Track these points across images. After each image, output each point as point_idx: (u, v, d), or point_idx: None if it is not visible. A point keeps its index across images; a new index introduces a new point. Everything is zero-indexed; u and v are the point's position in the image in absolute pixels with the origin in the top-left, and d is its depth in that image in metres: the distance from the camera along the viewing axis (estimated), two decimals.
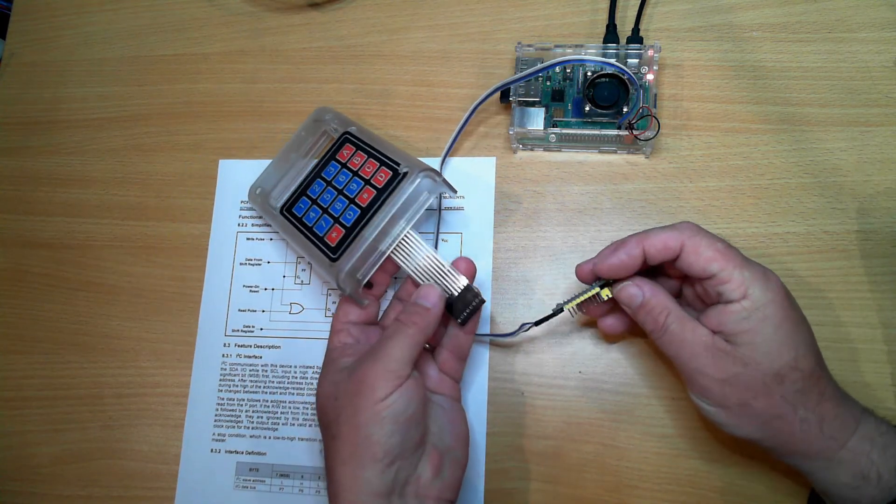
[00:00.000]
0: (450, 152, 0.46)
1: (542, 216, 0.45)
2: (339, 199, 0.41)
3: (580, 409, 0.42)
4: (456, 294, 0.38)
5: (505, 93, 0.45)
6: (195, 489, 0.45)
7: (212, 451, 0.46)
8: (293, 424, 0.45)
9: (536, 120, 0.44)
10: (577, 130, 0.43)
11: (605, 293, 0.37)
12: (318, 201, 0.42)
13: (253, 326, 0.47)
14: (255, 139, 0.51)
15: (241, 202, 0.50)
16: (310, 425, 0.45)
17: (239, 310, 0.48)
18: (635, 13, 0.47)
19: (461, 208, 0.46)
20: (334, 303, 0.46)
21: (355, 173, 0.42)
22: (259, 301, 0.47)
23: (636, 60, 0.44)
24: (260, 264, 0.48)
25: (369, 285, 0.41)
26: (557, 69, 0.45)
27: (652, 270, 0.38)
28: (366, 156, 0.42)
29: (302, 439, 0.45)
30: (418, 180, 0.39)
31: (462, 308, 0.38)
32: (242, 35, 0.53)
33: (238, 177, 0.50)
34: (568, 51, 0.45)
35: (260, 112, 0.51)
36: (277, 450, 0.45)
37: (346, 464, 0.34)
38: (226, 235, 0.49)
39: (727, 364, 0.32)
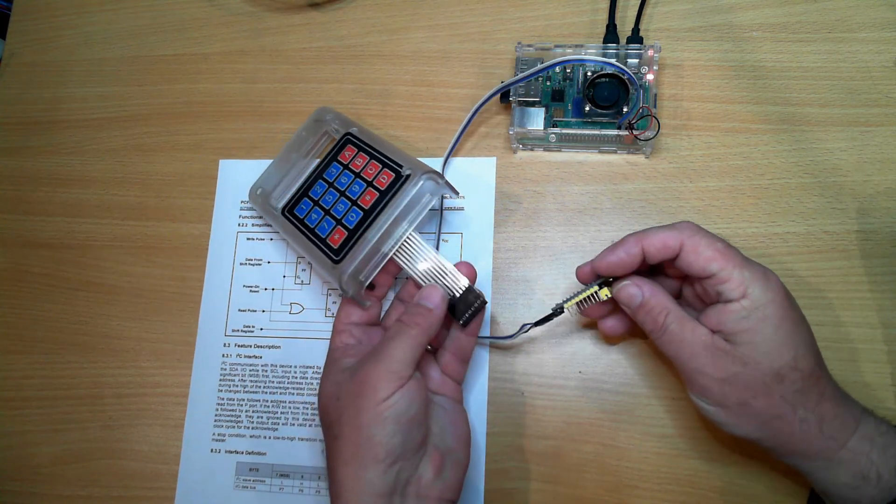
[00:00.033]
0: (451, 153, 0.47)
1: (542, 216, 0.45)
2: (341, 200, 0.41)
3: (580, 409, 0.42)
4: (458, 295, 0.38)
5: (505, 93, 0.45)
6: (195, 489, 0.45)
7: (212, 451, 0.46)
8: (293, 424, 0.45)
9: (536, 120, 0.44)
10: (577, 130, 0.43)
11: (605, 293, 0.37)
12: (320, 203, 0.42)
13: (253, 326, 0.47)
14: (255, 139, 0.51)
15: (242, 202, 0.50)
16: (310, 425, 0.45)
17: (239, 310, 0.48)
18: (635, 13, 0.47)
19: (461, 208, 0.46)
20: (334, 303, 0.46)
21: (357, 175, 0.42)
22: (259, 301, 0.47)
23: (636, 60, 0.44)
24: (260, 264, 0.48)
25: (371, 287, 0.41)
26: (557, 69, 0.45)
27: (651, 271, 0.38)
28: (368, 157, 0.42)
29: (302, 439, 0.45)
30: (421, 182, 0.39)
31: (464, 309, 0.38)
32: (242, 35, 0.53)
33: (238, 177, 0.50)
34: (568, 51, 0.45)
35: (260, 112, 0.51)
36: (277, 450, 0.45)
37: (348, 464, 0.34)
38: (226, 235, 0.49)
39: (727, 363, 0.33)
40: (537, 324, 0.39)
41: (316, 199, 0.43)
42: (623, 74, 0.42)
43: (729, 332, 0.33)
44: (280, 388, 0.46)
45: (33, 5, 0.59)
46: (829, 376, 0.34)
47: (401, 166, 0.40)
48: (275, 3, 0.54)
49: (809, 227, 0.42)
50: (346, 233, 0.40)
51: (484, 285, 0.44)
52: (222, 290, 0.48)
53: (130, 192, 0.52)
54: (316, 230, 0.41)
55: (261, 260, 0.48)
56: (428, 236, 0.46)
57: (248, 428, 0.46)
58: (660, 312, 0.35)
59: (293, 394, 0.46)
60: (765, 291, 0.32)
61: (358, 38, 0.52)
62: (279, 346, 0.47)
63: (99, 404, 0.48)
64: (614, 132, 0.43)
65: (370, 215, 0.40)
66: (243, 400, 0.46)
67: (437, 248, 0.45)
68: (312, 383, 0.45)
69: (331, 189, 0.42)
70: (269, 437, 0.45)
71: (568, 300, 0.38)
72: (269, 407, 0.46)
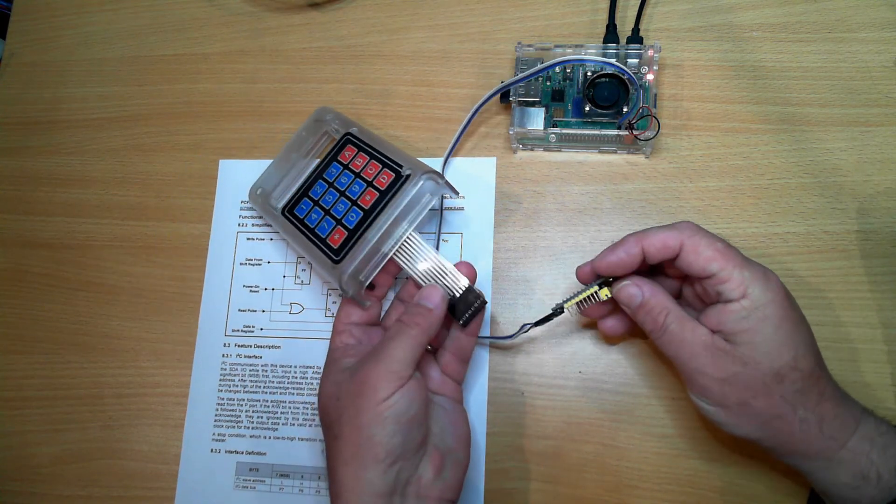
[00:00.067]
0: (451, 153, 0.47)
1: (542, 216, 0.45)
2: (341, 200, 0.41)
3: (580, 409, 0.42)
4: (458, 295, 0.38)
5: (505, 93, 0.45)
6: (195, 489, 0.45)
7: (212, 451, 0.46)
8: (293, 424, 0.45)
9: (536, 120, 0.44)
10: (577, 130, 0.43)
11: (605, 293, 0.37)
12: (320, 203, 0.42)
13: (253, 326, 0.47)
14: (255, 139, 0.51)
15: (242, 202, 0.50)
16: (310, 425, 0.45)
17: (239, 310, 0.48)
18: (635, 13, 0.47)
19: (461, 208, 0.46)
20: (334, 303, 0.46)
21: (357, 175, 0.42)
22: (259, 301, 0.47)
23: (636, 60, 0.44)
24: (260, 264, 0.48)
25: (371, 287, 0.41)
26: (557, 69, 0.45)
27: (651, 271, 0.38)
28: (368, 157, 0.42)
29: (302, 439, 0.45)
30: (421, 183, 0.39)
31: (464, 309, 0.38)
32: (242, 35, 0.53)
33: (238, 177, 0.50)
34: (568, 51, 0.45)
35: (260, 112, 0.51)
36: (277, 450, 0.45)
37: (348, 464, 0.34)
38: (226, 235, 0.49)
39: (727, 363, 0.33)
40: (537, 324, 0.39)
41: (316, 199, 0.43)
42: (623, 74, 0.42)
43: (729, 332, 0.33)
44: (280, 388, 0.46)
45: (33, 5, 0.59)
46: (829, 376, 0.34)
47: (401, 166, 0.40)
48: (275, 3, 0.54)
49: (809, 227, 0.42)
50: (346, 233, 0.40)
51: (484, 285, 0.44)
52: (222, 290, 0.48)
53: (130, 192, 0.52)
54: (316, 230, 0.41)
55: (261, 260, 0.48)
56: (428, 236, 0.46)
57: (248, 428, 0.46)
58: (660, 312, 0.35)
59: (293, 394, 0.46)
60: (765, 291, 0.32)
61: (358, 38, 0.52)
62: (279, 346, 0.47)
63: (99, 404, 0.48)
64: (614, 132, 0.43)
65: (370, 215, 0.40)
66: (243, 400, 0.46)
67: (437, 248, 0.45)
68: (312, 383, 0.45)
69: (331, 189, 0.42)
70: (269, 437, 0.45)
71: (568, 300, 0.38)
72: (269, 407, 0.46)
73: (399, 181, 0.40)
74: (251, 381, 0.46)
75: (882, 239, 0.41)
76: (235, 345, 0.47)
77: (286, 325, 0.47)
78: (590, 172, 0.45)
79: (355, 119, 0.47)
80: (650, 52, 0.43)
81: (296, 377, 0.46)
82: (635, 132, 0.42)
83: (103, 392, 0.48)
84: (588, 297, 0.37)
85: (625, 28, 0.47)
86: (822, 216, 0.42)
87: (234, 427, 0.46)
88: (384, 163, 0.41)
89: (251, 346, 0.47)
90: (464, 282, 0.38)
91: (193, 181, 0.51)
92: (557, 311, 0.38)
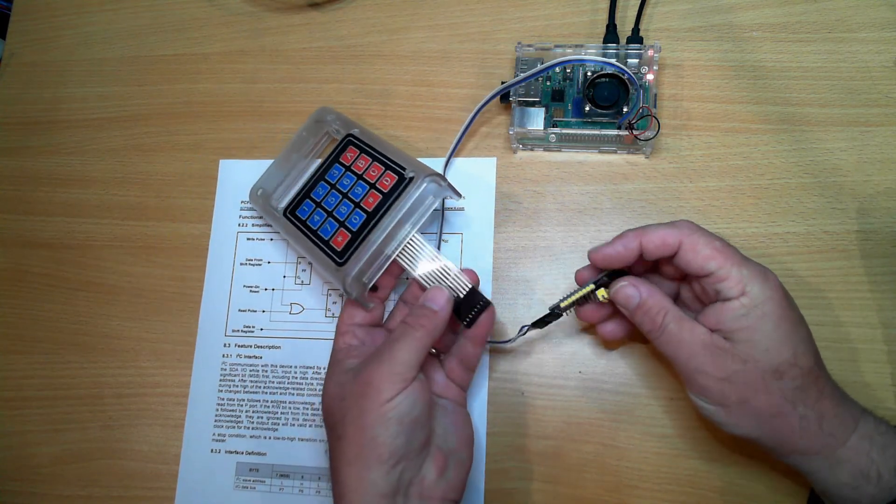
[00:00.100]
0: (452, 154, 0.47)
1: (542, 216, 0.45)
2: (343, 202, 0.41)
3: (580, 409, 0.42)
4: (462, 297, 0.38)
5: (505, 93, 0.45)
6: (195, 489, 0.45)
7: (212, 451, 0.46)
8: (293, 425, 0.45)
9: (536, 120, 0.44)
10: (577, 130, 0.43)
11: (602, 294, 0.37)
12: (323, 204, 0.42)
13: (253, 326, 0.47)
14: (255, 139, 0.51)
15: (242, 202, 0.50)
16: (310, 425, 0.45)
17: (239, 310, 0.48)
18: (635, 13, 0.47)
19: (462, 209, 0.46)
20: (335, 303, 0.46)
21: (360, 177, 0.42)
22: (259, 301, 0.47)
23: (636, 60, 0.44)
24: (260, 264, 0.48)
25: (374, 288, 0.41)
26: (557, 69, 0.45)
27: (649, 272, 0.38)
28: (370, 159, 0.42)
29: (302, 440, 0.45)
30: (424, 185, 0.39)
31: (468, 310, 0.38)
32: (242, 35, 0.53)
33: (238, 177, 0.50)
34: (568, 51, 0.45)
35: (260, 112, 0.51)
36: (277, 450, 0.45)
37: (352, 464, 0.34)
38: (226, 235, 0.49)
39: (726, 362, 0.33)
40: (535, 324, 0.39)
41: (318, 200, 0.43)
42: (623, 74, 0.42)
43: (728, 331, 0.33)
44: (280, 388, 0.46)
45: (33, 5, 0.58)
46: (828, 375, 0.34)
47: (404, 168, 0.40)
48: (275, 3, 0.54)
49: (809, 227, 0.42)
50: (350, 235, 0.40)
51: (484, 285, 0.44)
52: (222, 291, 0.48)
53: (130, 192, 0.52)
54: (319, 232, 0.41)
55: (261, 260, 0.48)
56: (429, 237, 0.46)
57: (249, 428, 0.46)
58: (658, 312, 0.35)
59: (293, 394, 0.46)
60: (763, 289, 0.32)
61: (358, 38, 0.52)
62: (279, 347, 0.47)
63: (99, 404, 0.48)
64: (614, 132, 0.43)
65: (373, 218, 0.40)
66: (243, 400, 0.46)
67: (438, 249, 0.45)
68: (313, 383, 0.45)
69: (333, 191, 0.42)
70: (270, 438, 0.45)
71: (565, 299, 0.38)
72: (269, 407, 0.46)
73: (402, 183, 0.40)
74: (251, 381, 0.46)
75: (882, 239, 0.41)
76: (235, 345, 0.47)
77: (286, 326, 0.47)
78: (590, 172, 0.45)
79: (355, 119, 0.47)
80: (650, 52, 0.43)
81: (296, 377, 0.46)
82: (635, 132, 0.42)
83: (103, 392, 0.48)
84: (585, 296, 0.37)
85: (625, 28, 0.47)
86: (822, 216, 0.42)
87: (234, 427, 0.46)
88: (387, 165, 0.41)
89: (251, 347, 0.47)
90: (467, 283, 0.38)
91: (193, 181, 0.51)
92: (555, 310, 0.38)
